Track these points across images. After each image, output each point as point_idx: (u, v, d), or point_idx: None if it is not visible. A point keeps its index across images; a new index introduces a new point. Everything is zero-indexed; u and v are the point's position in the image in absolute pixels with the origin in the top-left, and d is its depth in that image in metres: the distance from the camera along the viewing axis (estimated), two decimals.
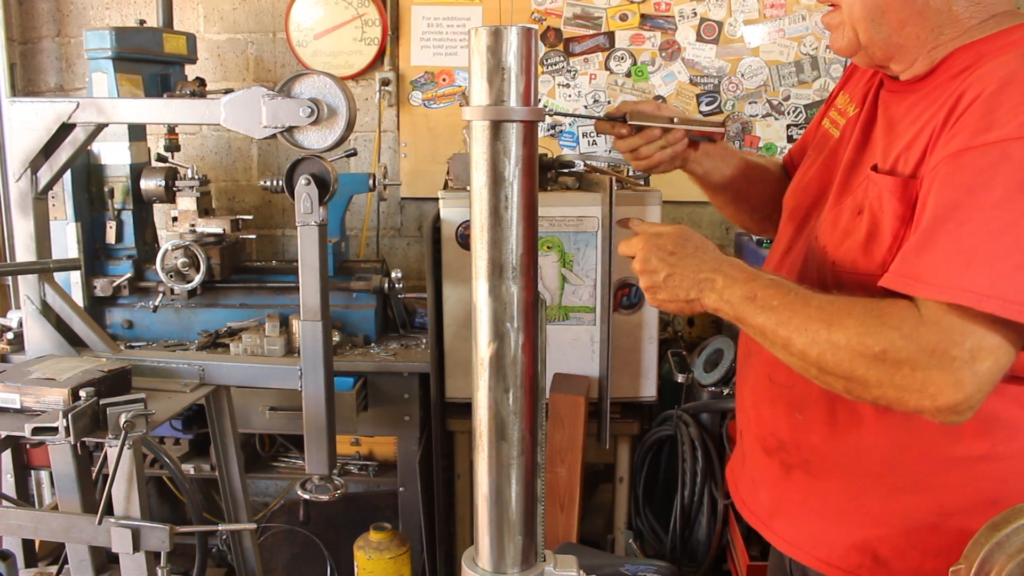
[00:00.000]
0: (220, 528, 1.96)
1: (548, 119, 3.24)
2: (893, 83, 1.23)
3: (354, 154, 3.03)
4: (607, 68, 3.21)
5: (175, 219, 2.80)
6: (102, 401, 1.68)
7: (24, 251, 1.97)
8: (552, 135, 3.25)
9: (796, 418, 1.28)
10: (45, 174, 1.92)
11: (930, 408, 0.99)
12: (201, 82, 2.83)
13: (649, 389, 2.67)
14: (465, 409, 2.26)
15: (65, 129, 1.86)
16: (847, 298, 1.07)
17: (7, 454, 2.51)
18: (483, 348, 1.14)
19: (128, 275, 2.78)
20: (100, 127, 1.89)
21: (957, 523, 1.17)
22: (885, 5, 1.12)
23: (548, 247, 2.61)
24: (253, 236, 3.02)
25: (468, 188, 1.13)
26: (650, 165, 1.51)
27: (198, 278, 2.67)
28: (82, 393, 1.67)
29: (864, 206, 1.15)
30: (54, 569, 2.15)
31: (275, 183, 2.73)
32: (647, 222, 1.27)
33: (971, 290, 0.95)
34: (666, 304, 1.19)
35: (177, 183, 2.78)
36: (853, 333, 1.01)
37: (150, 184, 2.79)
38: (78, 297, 2.73)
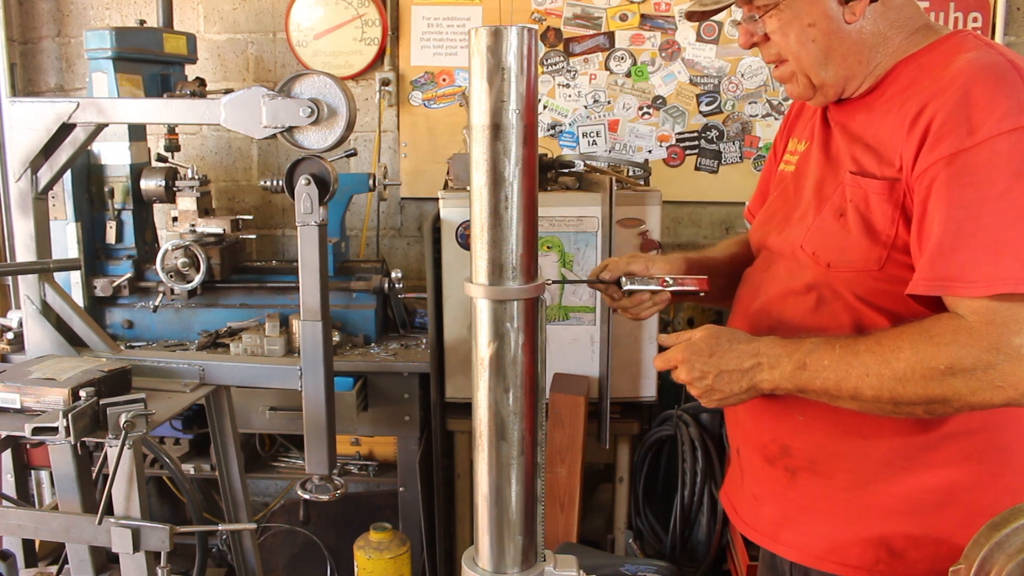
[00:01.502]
0: (220, 528, 1.96)
1: (549, 118, 3.24)
2: (839, 105, 1.32)
3: (354, 154, 3.03)
4: (607, 68, 3.21)
5: (175, 219, 2.80)
6: (102, 401, 1.68)
7: (24, 251, 1.97)
8: (552, 135, 3.25)
9: (797, 419, 1.29)
10: (45, 174, 1.92)
11: (1014, 399, 1.06)
12: (201, 82, 2.83)
13: (649, 389, 2.67)
14: (465, 409, 2.26)
15: (65, 129, 1.86)
16: (889, 331, 1.13)
17: (7, 454, 2.51)
18: (483, 348, 1.14)
19: (128, 275, 2.78)
20: (100, 127, 1.89)
21: (965, 501, 1.20)
22: (828, 48, 1.22)
23: (548, 247, 2.61)
24: (253, 236, 3.02)
25: (468, 188, 1.13)
26: (638, 317, 1.55)
27: (198, 278, 2.67)
28: (82, 393, 1.67)
29: (846, 208, 1.21)
30: (54, 569, 2.15)
31: (275, 183, 2.73)
32: (671, 334, 1.26)
33: (1008, 277, 1.04)
34: (726, 401, 1.22)
35: (177, 183, 2.78)
36: (914, 362, 1.07)
37: (150, 184, 2.79)
38: (78, 297, 2.73)
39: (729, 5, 1.28)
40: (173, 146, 2.91)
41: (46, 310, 1.98)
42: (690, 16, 1.36)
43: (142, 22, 2.96)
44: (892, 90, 1.22)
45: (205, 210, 2.83)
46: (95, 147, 2.78)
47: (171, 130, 2.93)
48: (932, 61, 1.19)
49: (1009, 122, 1.06)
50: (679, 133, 3.19)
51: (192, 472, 2.76)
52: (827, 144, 1.31)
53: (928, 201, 1.10)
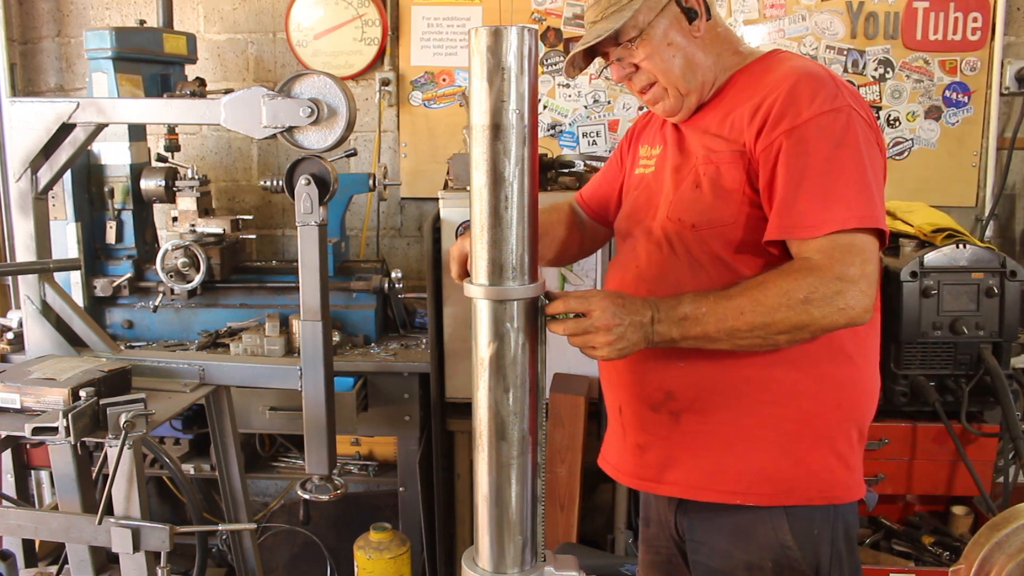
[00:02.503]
0: (220, 528, 1.96)
1: (549, 118, 3.24)
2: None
3: (354, 154, 3.03)
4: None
5: (175, 219, 2.80)
6: (102, 401, 1.68)
7: (24, 251, 1.97)
8: (552, 135, 3.25)
9: (679, 366, 1.46)
10: (45, 174, 1.92)
11: (853, 319, 1.32)
12: (201, 82, 2.83)
13: None
14: (465, 409, 2.25)
15: (65, 129, 1.86)
16: (753, 278, 1.36)
17: (7, 454, 2.51)
18: (483, 348, 1.14)
19: (128, 275, 2.78)
20: (100, 127, 1.89)
21: (816, 427, 1.45)
22: (687, 60, 1.50)
23: None
24: (253, 236, 3.02)
25: (468, 188, 1.13)
26: None
27: (198, 278, 2.67)
28: (82, 393, 1.68)
29: (700, 180, 1.46)
30: (54, 569, 2.15)
31: (275, 183, 2.73)
32: (563, 297, 1.30)
33: (837, 219, 1.32)
34: (624, 352, 1.31)
35: (177, 183, 2.78)
36: (779, 295, 1.30)
37: (150, 184, 2.79)
38: (78, 297, 2.73)
39: (595, 43, 1.49)
40: (173, 146, 2.91)
41: (46, 310, 1.98)
42: (569, 68, 1.59)
43: (142, 22, 2.96)
44: (731, 93, 1.51)
45: (205, 210, 2.83)
46: (95, 147, 2.78)
47: (171, 130, 2.93)
48: (762, 68, 1.50)
49: (828, 104, 1.36)
50: None
51: (192, 472, 2.76)
52: (680, 143, 1.56)
53: (775, 168, 1.37)
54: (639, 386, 1.53)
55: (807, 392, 1.44)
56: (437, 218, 2.63)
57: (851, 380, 1.48)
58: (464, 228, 2.57)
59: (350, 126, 1.70)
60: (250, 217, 3.01)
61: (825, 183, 1.34)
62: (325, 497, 1.89)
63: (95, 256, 2.83)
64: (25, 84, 3.33)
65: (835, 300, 1.29)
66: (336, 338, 2.72)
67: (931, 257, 2.38)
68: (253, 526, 2.10)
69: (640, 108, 3.22)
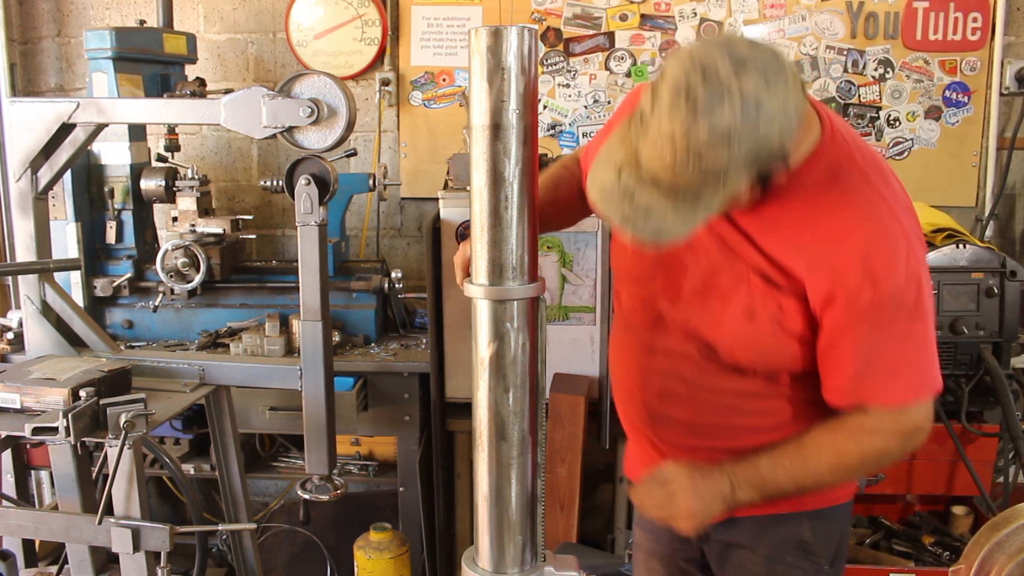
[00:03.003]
0: (220, 528, 1.96)
1: (549, 118, 3.24)
2: None
3: (354, 154, 3.03)
4: (607, 68, 3.21)
5: (175, 219, 2.80)
6: (102, 401, 1.68)
7: (24, 251, 1.97)
8: (552, 135, 3.25)
9: (689, 441, 1.48)
10: (45, 174, 1.92)
11: (917, 445, 1.35)
12: (201, 82, 2.83)
13: None
14: (465, 409, 2.25)
15: (65, 129, 1.86)
16: (825, 438, 1.35)
17: (7, 454, 2.51)
18: (483, 348, 1.14)
19: (128, 275, 2.78)
20: (100, 127, 1.89)
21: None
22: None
23: (548, 247, 2.61)
24: (253, 236, 3.02)
25: (468, 188, 1.13)
26: None
27: (198, 278, 2.67)
28: (82, 393, 1.68)
29: (756, 311, 1.31)
30: (54, 569, 2.15)
31: (275, 183, 2.73)
32: (645, 489, 1.37)
33: (910, 391, 1.31)
34: (707, 521, 1.36)
35: (177, 183, 2.78)
36: (858, 461, 1.34)
37: (150, 184, 2.79)
38: (78, 297, 2.72)
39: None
40: (173, 146, 2.91)
41: (46, 310, 1.98)
42: None
43: (142, 22, 2.96)
44: (802, 196, 1.27)
45: (205, 210, 2.83)
46: (95, 147, 2.77)
47: (171, 130, 2.93)
48: (820, 188, 1.27)
49: (902, 274, 1.25)
50: None
51: (192, 472, 2.75)
52: (723, 232, 1.33)
53: (845, 337, 1.28)
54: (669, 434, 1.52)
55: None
56: (437, 218, 2.63)
57: None
58: (464, 228, 2.57)
59: (350, 126, 1.70)
60: (250, 217, 3.00)
61: (900, 356, 1.30)
62: (325, 497, 1.90)
63: (95, 256, 2.83)
64: (25, 84, 3.32)
65: (906, 450, 1.36)
66: (336, 338, 2.71)
67: (931, 257, 2.38)
68: (253, 526, 2.11)
69: None
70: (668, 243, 1.18)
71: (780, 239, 1.30)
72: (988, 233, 3.18)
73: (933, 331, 1.33)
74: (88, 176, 2.79)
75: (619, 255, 1.51)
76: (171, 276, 2.67)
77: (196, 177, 2.78)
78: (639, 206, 1.12)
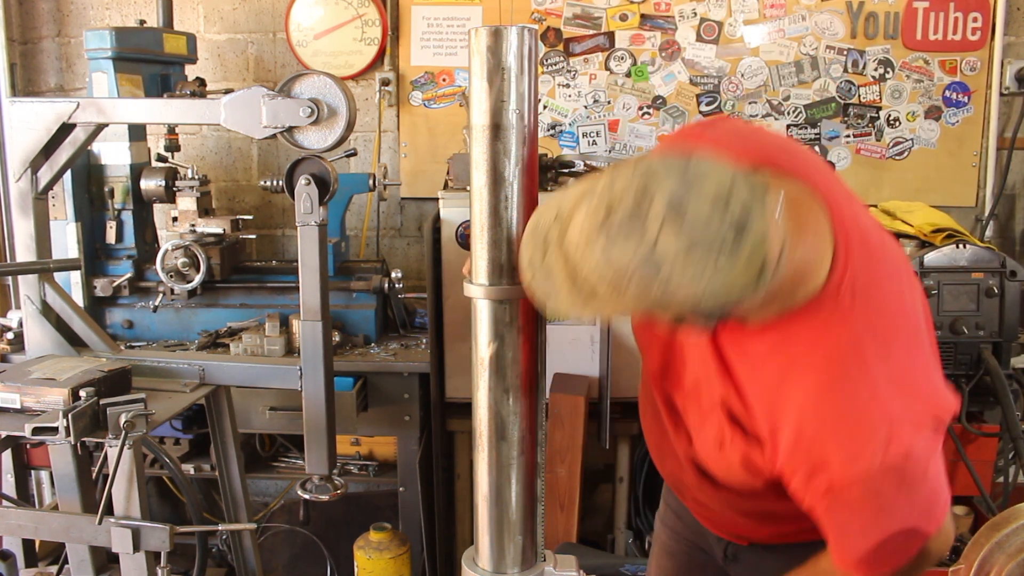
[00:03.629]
0: (220, 528, 1.96)
1: (549, 118, 3.24)
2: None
3: (354, 154, 3.03)
4: (607, 68, 3.21)
5: (175, 219, 2.80)
6: (102, 401, 1.68)
7: (24, 251, 1.97)
8: (552, 135, 3.25)
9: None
10: (45, 174, 1.92)
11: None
12: (201, 82, 2.83)
13: None
14: (465, 409, 2.25)
15: (65, 129, 1.86)
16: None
17: (7, 454, 2.51)
18: (483, 348, 1.14)
19: (128, 275, 2.78)
20: (100, 127, 1.89)
21: None
22: None
23: None
24: (253, 236, 3.02)
25: (468, 188, 1.13)
26: None
27: (198, 278, 2.67)
28: (82, 393, 1.68)
29: (724, 443, 1.22)
30: (54, 569, 2.15)
31: (275, 183, 2.72)
32: None
33: (906, 547, 1.19)
34: None
35: (177, 183, 2.78)
36: None
37: (150, 184, 2.79)
38: (78, 297, 2.72)
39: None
40: (173, 146, 2.91)
41: (46, 310, 1.98)
42: None
43: (142, 22, 2.96)
44: (779, 353, 1.15)
45: (205, 210, 2.83)
46: (95, 147, 2.77)
47: (171, 130, 2.93)
48: (809, 352, 1.13)
49: (879, 455, 1.09)
50: None
51: (192, 472, 2.75)
52: (708, 348, 1.23)
53: (817, 505, 1.15)
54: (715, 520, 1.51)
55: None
56: (437, 218, 2.63)
57: None
58: (464, 228, 2.57)
59: (350, 126, 1.70)
60: (250, 217, 3.00)
61: (881, 521, 1.15)
62: (325, 497, 1.89)
63: (95, 256, 2.83)
64: (25, 84, 3.32)
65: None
66: (336, 338, 2.71)
67: (931, 257, 2.38)
68: (253, 526, 2.11)
69: (640, 109, 3.22)
70: (552, 314, 1.12)
71: (757, 383, 1.18)
72: (988, 233, 3.18)
73: (936, 465, 1.15)
74: (88, 176, 2.79)
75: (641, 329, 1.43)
76: (171, 276, 2.67)
77: (196, 177, 2.78)
78: (546, 263, 1.02)
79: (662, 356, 1.34)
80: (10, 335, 2.49)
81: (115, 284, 2.77)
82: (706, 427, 1.26)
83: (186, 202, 2.78)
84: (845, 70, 3.16)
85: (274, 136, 1.71)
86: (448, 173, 2.73)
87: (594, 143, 3.25)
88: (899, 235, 2.57)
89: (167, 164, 2.87)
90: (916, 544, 1.19)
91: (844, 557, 1.18)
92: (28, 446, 2.59)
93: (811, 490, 1.13)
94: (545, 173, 2.69)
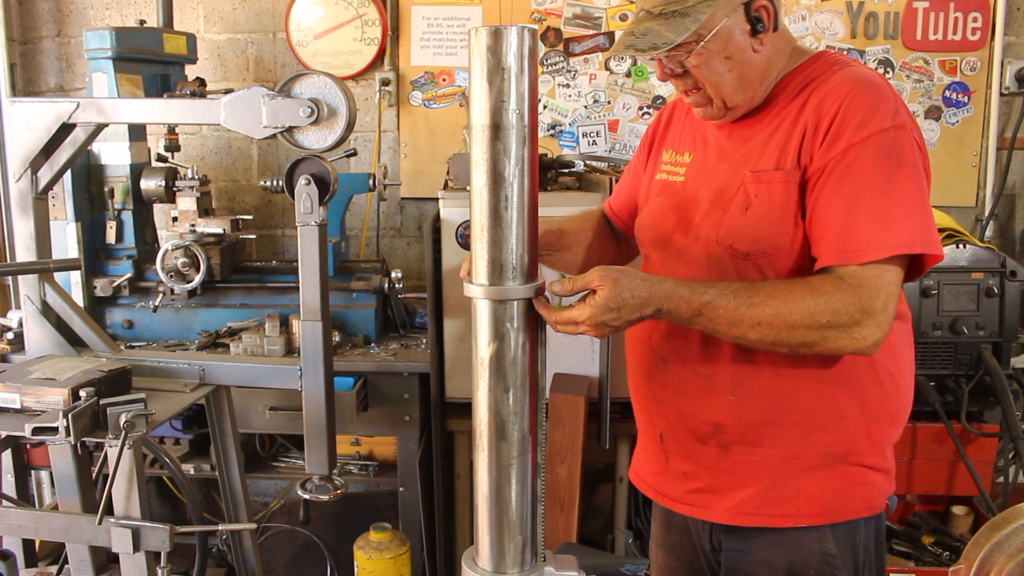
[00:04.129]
0: (220, 528, 1.96)
1: (549, 118, 3.24)
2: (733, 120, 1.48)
3: (354, 154, 3.03)
4: (607, 68, 3.21)
5: (175, 219, 2.80)
6: (102, 401, 1.68)
7: (24, 251, 1.97)
8: (552, 135, 3.25)
9: (729, 399, 1.45)
10: (45, 174, 1.92)
11: (860, 350, 1.31)
12: (201, 82, 2.83)
13: None
14: (465, 409, 2.25)
15: (65, 129, 1.86)
16: (780, 285, 1.31)
17: (7, 454, 2.51)
18: (483, 348, 1.14)
19: (128, 275, 2.78)
20: (100, 127, 1.89)
21: (861, 445, 1.45)
22: (742, 76, 1.41)
23: None
24: (253, 236, 3.02)
25: (468, 188, 1.13)
26: None
27: (198, 278, 2.67)
28: (82, 393, 1.68)
29: (751, 201, 1.39)
30: (54, 569, 2.15)
31: (275, 183, 2.73)
32: (566, 283, 1.27)
33: (899, 243, 1.29)
34: (617, 331, 1.31)
35: (177, 183, 2.78)
36: (804, 315, 1.27)
37: (150, 184, 2.79)
38: (78, 297, 2.72)
39: (653, 53, 1.39)
40: (173, 146, 2.91)
41: (46, 310, 1.98)
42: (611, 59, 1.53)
43: (142, 22, 2.96)
44: (781, 102, 1.43)
45: (205, 210, 2.83)
46: (95, 147, 2.78)
47: (171, 130, 2.93)
48: (814, 74, 1.41)
49: (889, 120, 1.30)
50: None
51: (192, 472, 2.75)
52: (721, 154, 1.48)
53: (829, 186, 1.32)
54: (686, 418, 1.51)
55: (852, 415, 1.43)
56: (437, 218, 2.63)
57: (892, 398, 1.47)
58: (464, 228, 2.57)
59: (350, 126, 1.70)
60: (250, 217, 3.01)
61: (885, 205, 1.29)
62: (325, 497, 1.89)
63: (95, 256, 2.83)
64: (25, 84, 3.33)
65: (852, 329, 1.28)
66: (336, 338, 2.72)
67: None
68: (253, 526, 2.10)
69: (640, 109, 3.22)
70: (664, 49, 1.35)
71: (774, 124, 1.41)
72: (988, 233, 3.18)
73: (928, 191, 1.33)
74: (88, 176, 2.79)
75: (644, 219, 1.62)
76: (171, 276, 2.67)
77: (196, 177, 2.78)
78: (638, 33, 1.37)
79: (676, 213, 1.51)
80: (10, 335, 2.49)
81: (115, 284, 2.77)
82: (731, 207, 1.41)
83: (186, 202, 2.78)
84: None
85: (274, 136, 1.71)
86: (448, 173, 2.74)
87: (594, 143, 3.25)
88: None
89: (167, 164, 2.87)
90: (916, 245, 1.29)
91: (848, 241, 1.29)
92: (28, 446, 2.59)
93: (835, 147, 1.31)
94: (545, 173, 2.70)
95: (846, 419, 1.43)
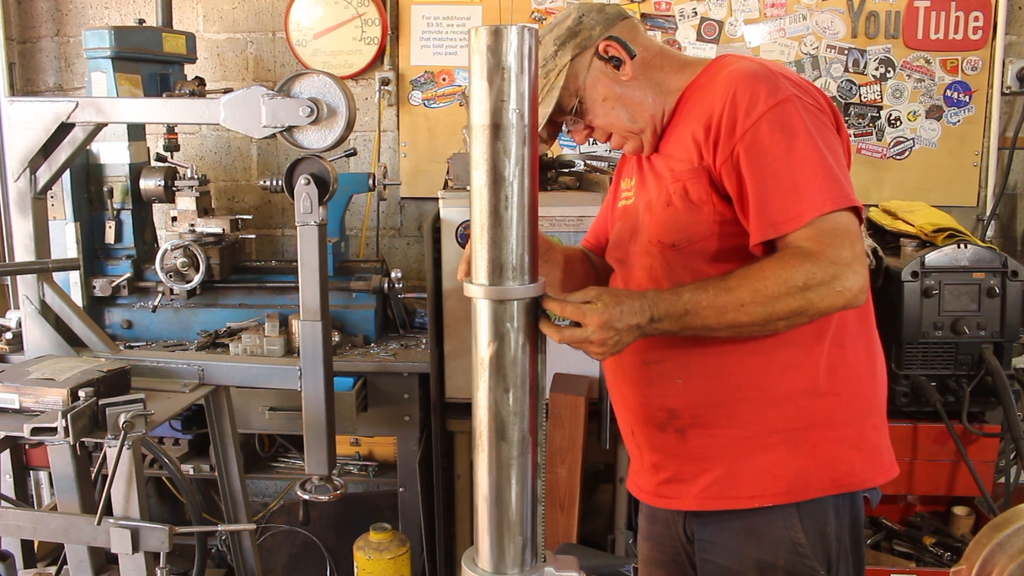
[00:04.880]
0: (220, 528, 1.96)
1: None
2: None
3: (354, 154, 3.03)
4: None
5: (174, 219, 2.80)
6: (101, 401, 1.67)
7: (23, 251, 1.97)
8: None
9: (677, 383, 1.50)
10: (44, 174, 1.92)
11: (850, 300, 1.33)
12: (201, 82, 2.83)
13: None
14: (465, 409, 2.25)
15: (64, 129, 1.85)
16: (750, 267, 1.35)
17: (6, 454, 2.50)
18: (483, 348, 1.14)
19: (127, 275, 2.78)
20: (99, 127, 1.88)
21: (822, 419, 1.46)
22: (626, 106, 1.54)
23: None
24: (253, 236, 3.02)
25: (468, 188, 1.13)
26: None
27: (197, 278, 2.67)
28: (81, 393, 1.67)
29: (671, 198, 1.49)
30: (53, 570, 2.14)
31: (275, 183, 2.72)
32: (561, 302, 1.28)
33: (813, 206, 1.34)
34: (616, 350, 1.33)
35: (176, 183, 2.77)
36: (778, 284, 1.31)
37: (149, 184, 2.78)
38: (77, 297, 2.72)
39: (545, 123, 1.54)
40: (172, 146, 2.90)
41: (45, 310, 1.97)
42: (542, 143, 1.61)
43: (141, 21, 2.96)
44: (684, 112, 1.53)
45: (204, 210, 2.83)
46: (94, 147, 2.77)
47: (170, 130, 2.92)
48: (706, 80, 1.51)
49: (772, 99, 1.38)
50: None
51: (192, 472, 2.75)
52: (651, 169, 1.60)
53: (740, 175, 1.39)
54: (644, 408, 1.56)
55: (804, 389, 1.45)
56: (437, 218, 2.62)
57: (846, 367, 1.49)
58: (464, 228, 2.56)
59: (350, 126, 1.69)
60: (250, 217, 3.00)
61: (790, 175, 1.36)
62: (325, 497, 1.89)
63: (94, 256, 2.83)
64: (24, 83, 3.32)
65: (832, 283, 1.31)
66: (336, 338, 2.71)
67: (932, 257, 2.37)
68: (253, 526, 2.10)
69: None
70: (545, 123, 1.53)
71: (680, 131, 1.51)
72: (989, 233, 3.17)
73: (831, 149, 1.39)
74: (87, 176, 2.79)
75: (609, 243, 1.73)
76: (170, 276, 2.67)
77: (195, 177, 2.78)
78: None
79: (629, 228, 1.62)
80: (9, 335, 2.49)
81: (114, 284, 2.77)
82: (656, 207, 1.52)
83: (185, 202, 2.77)
84: (846, 69, 3.15)
85: (273, 136, 1.71)
86: (448, 173, 2.73)
87: (594, 143, 3.25)
88: (900, 235, 2.57)
89: (166, 164, 2.87)
90: (835, 205, 1.34)
91: (774, 211, 1.35)
92: (27, 446, 2.59)
93: (731, 141, 1.39)
94: (545, 173, 2.69)
95: (798, 394, 1.45)
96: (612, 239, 1.72)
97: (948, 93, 3.15)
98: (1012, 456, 2.73)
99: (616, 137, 1.59)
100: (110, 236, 2.81)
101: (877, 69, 3.15)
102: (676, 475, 1.54)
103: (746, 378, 1.45)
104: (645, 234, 1.55)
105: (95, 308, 2.82)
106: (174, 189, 2.77)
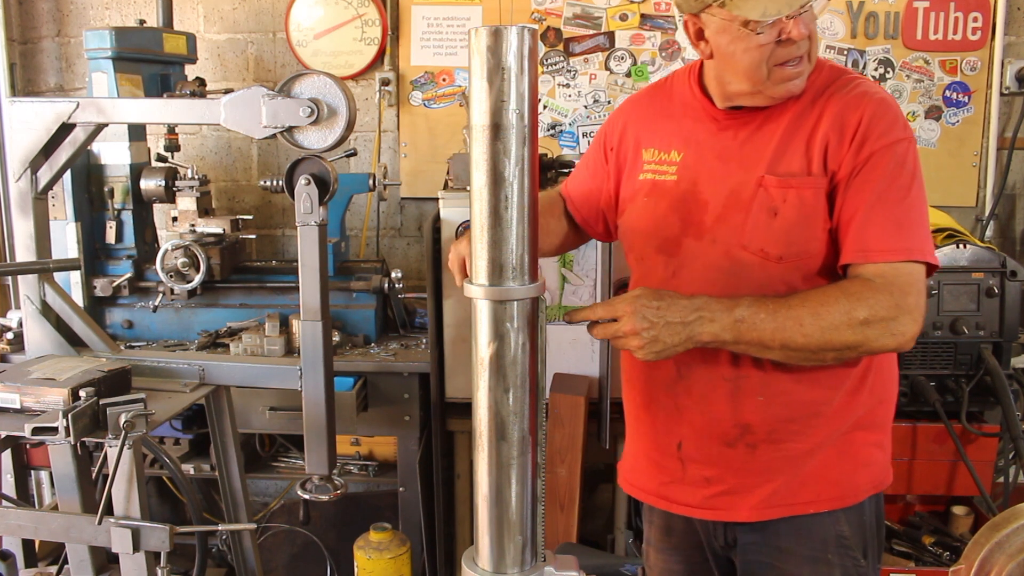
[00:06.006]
0: (220, 528, 1.96)
1: (549, 118, 3.24)
2: (727, 115, 1.50)
3: (354, 154, 3.03)
4: (607, 68, 3.21)
5: (175, 219, 2.80)
6: (102, 401, 1.68)
7: (24, 251, 1.97)
8: (552, 135, 3.25)
9: (758, 400, 1.48)
10: (45, 174, 1.92)
11: (901, 345, 1.35)
12: (201, 82, 2.83)
13: None
14: (465, 409, 2.25)
15: (65, 129, 1.85)
16: (813, 291, 1.36)
17: (7, 454, 2.51)
18: (483, 348, 1.14)
19: (128, 275, 2.78)
20: (100, 127, 1.89)
21: (866, 427, 1.51)
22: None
23: None
24: (253, 236, 3.02)
25: (468, 188, 1.13)
26: None
27: (198, 278, 2.67)
28: (82, 393, 1.67)
29: (777, 207, 1.42)
30: (54, 569, 2.15)
31: (275, 183, 2.73)
32: (590, 307, 1.31)
33: (909, 249, 1.35)
34: (663, 354, 1.30)
35: (177, 183, 2.78)
36: (841, 314, 1.31)
37: (150, 184, 2.79)
38: (78, 297, 2.72)
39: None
40: (173, 146, 2.91)
41: (46, 310, 1.98)
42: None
43: (142, 22, 2.96)
44: (792, 105, 1.44)
45: (205, 210, 2.83)
46: (95, 147, 2.78)
47: (171, 130, 2.93)
48: (823, 84, 1.45)
49: (902, 133, 1.39)
50: None
51: (192, 472, 2.75)
52: (726, 153, 1.49)
53: (851, 186, 1.38)
54: (714, 423, 1.52)
55: (862, 402, 1.51)
56: (437, 218, 2.63)
57: (891, 379, 1.56)
58: (464, 228, 2.57)
59: (350, 126, 1.70)
60: (250, 217, 3.00)
61: (900, 211, 1.36)
62: (325, 497, 1.89)
63: (95, 256, 2.83)
64: (25, 84, 3.32)
65: (891, 325, 1.32)
66: (336, 338, 2.71)
67: None
68: (253, 526, 2.10)
69: None
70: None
71: (792, 127, 1.44)
72: (988, 233, 3.18)
73: (926, 209, 1.41)
74: (88, 176, 2.79)
75: (637, 221, 1.59)
76: (171, 276, 2.67)
77: (196, 177, 2.78)
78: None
79: (678, 215, 1.51)
80: (10, 335, 2.49)
81: (115, 284, 2.77)
82: (752, 210, 1.43)
83: (186, 202, 2.78)
84: None
85: (274, 136, 1.71)
86: (448, 173, 2.73)
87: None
88: None
89: (167, 164, 2.87)
90: (923, 256, 1.36)
91: (872, 235, 1.35)
92: (28, 446, 2.59)
93: (859, 156, 1.37)
94: (545, 173, 2.70)
95: (858, 406, 1.50)
96: (643, 222, 1.58)
97: (947, 94, 3.16)
98: (1011, 456, 2.73)
99: (805, 62, 1.43)
100: (111, 236, 2.82)
101: (876, 69, 3.15)
102: (732, 488, 1.53)
103: (820, 393, 1.47)
104: (725, 234, 1.46)
105: (96, 308, 2.82)
106: (175, 189, 2.78)
